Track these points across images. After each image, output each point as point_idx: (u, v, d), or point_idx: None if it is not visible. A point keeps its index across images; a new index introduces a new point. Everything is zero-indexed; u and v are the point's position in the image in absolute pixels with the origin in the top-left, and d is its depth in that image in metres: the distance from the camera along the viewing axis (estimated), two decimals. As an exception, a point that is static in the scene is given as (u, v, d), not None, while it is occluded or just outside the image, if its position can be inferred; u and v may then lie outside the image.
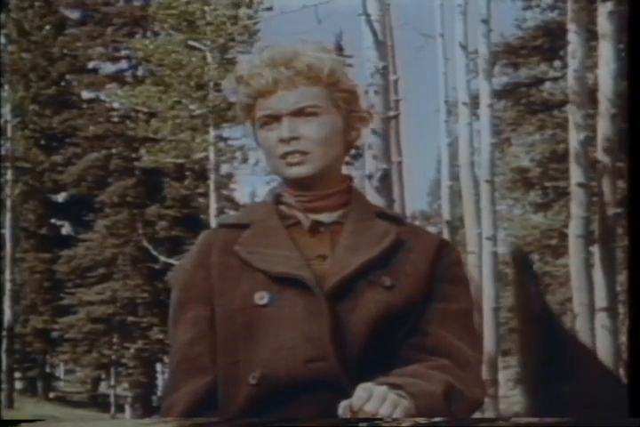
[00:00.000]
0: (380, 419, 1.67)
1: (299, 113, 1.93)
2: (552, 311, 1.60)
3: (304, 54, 1.94)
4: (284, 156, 1.94)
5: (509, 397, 22.91)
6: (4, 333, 24.04)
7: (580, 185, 12.60)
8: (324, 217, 1.97)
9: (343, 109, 1.96)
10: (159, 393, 25.73)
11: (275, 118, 1.95)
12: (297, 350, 1.82)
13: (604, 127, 12.56)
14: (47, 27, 23.93)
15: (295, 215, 1.98)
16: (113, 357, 25.67)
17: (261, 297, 1.87)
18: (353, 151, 2.09)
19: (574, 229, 12.46)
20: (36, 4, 24.01)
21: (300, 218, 1.97)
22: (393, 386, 1.72)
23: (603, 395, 1.58)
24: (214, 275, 1.92)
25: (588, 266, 12.31)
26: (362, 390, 1.69)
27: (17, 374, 26.55)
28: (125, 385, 26.55)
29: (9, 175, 24.69)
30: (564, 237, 16.84)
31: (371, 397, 1.68)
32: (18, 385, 26.77)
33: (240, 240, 1.94)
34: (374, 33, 8.94)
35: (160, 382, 27.14)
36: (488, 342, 13.62)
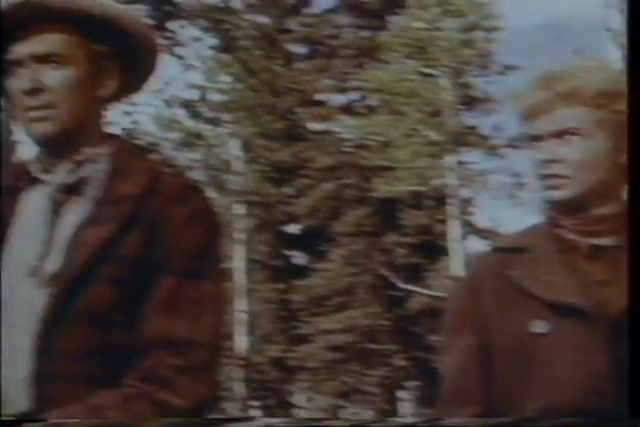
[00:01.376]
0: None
1: (559, 136, 1.88)
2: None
3: (569, 75, 1.88)
4: (544, 178, 1.89)
5: None
6: (240, 362, 24.73)
7: None
8: (604, 241, 1.88)
9: (612, 132, 1.86)
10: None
11: (538, 139, 1.92)
12: (575, 383, 1.75)
13: None
14: (275, 65, 24.56)
15: (572, 239, 1.90)
16: (353, 384, 25.92)
17: (537, 325, 1.82)
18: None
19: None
20: (261, 44, 24.69)
21: (578, 242, 1.89)
22: None
23: None
24: (487, 300, 1.89)
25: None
26: None
27: (254, 403, 27.22)
28: (368, 413, 26.76)
29: (240, 209, 25.46)
30: None
31: None
32: (255, 413, 27.42)
33: (514, 265, 1.91)
34: (621, 48, 8.65)
35: (400, 408, 27.21)
36: None
